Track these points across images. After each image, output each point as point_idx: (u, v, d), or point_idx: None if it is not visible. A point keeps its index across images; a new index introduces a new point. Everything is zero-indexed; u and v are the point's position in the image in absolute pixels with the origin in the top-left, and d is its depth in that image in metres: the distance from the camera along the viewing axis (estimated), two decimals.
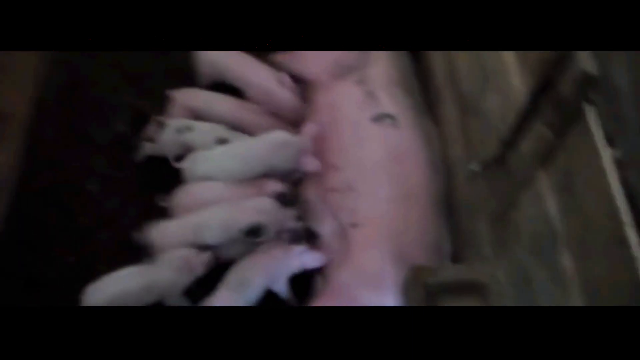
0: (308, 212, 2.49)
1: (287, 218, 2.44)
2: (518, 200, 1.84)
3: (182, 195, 2.53)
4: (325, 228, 2.42)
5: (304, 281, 2.39)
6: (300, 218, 2.47)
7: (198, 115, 2.79)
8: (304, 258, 2.37)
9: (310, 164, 2.52)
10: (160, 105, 2.81)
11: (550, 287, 1.62)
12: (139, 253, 2.43)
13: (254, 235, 2.37)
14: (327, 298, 2.23)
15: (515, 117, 1.80)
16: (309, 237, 2.43)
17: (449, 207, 2.43)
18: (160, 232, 2.41)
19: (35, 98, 2.87)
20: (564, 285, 1.54)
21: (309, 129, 2.59)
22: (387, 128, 2.47)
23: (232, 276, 2.33)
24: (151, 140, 2.66)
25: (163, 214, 2.50)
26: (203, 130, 2.68)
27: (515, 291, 1.80)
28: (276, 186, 2.53)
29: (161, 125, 2.65)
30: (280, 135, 2.58)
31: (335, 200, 2.41)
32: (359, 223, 2.31)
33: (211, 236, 2.38)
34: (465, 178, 2.29)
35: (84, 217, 2.59)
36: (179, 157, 2.61)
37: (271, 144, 2.56)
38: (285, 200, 2.49)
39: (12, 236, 2.50)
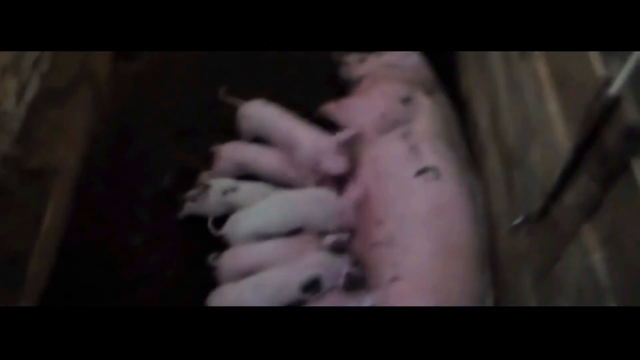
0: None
1: (344, 265, 2.40)
2: (563, 253, 1.80)
3: (230, 259, 2.51)
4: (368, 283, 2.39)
5: None
6: (356, 263, 2.43)
7: (244, 169, 2.81)
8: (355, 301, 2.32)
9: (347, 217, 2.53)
10: (206, 160, 2.85)
11: None
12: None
13: (312, 289, 2.35)
14: None
15: (559, 170, 1.78)
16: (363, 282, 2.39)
17: (492, 260, 2.38)
18: (220, 297, 2.39)
19: (84, 154, 2.94)
20: None
21: (354, 192, 2.60)
22: (430, 181, 2.45)
23: None
24: (194, 200, 2.68)
25: (206, 269, 2.50)
26: (248, 191, 2.70)
27: None
28: (328, 237, 2.50)
29: (206, 187, 2.68)
30: (322, 193, 2.59)
31: (377, 254, 2.39)
32: (400, 277, 2.28)
33: (273, 298, 2.35)
34: (508, 231, 2.25)
35: (128, 272, 2.60)
36: (218, 220, 2.62)
37: (312, 200, 2.57)
38: (339, 249, 2.46)
39: (58, 288, 2.52)
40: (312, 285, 2.35)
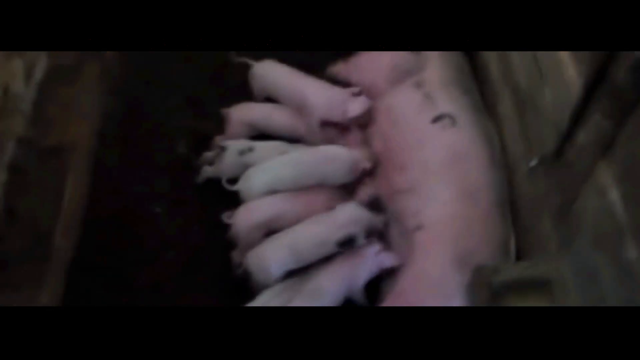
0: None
1: (379, 223, 2.43)
2: (579, 193, 1.79)
3: (244, 214, 2.52)
4: (393, 231, 2.43)
5: (373, 285, 2.38)
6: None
7: (256, 129, 2.82)
8: (380, 258, 2.36)
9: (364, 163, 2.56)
10: (219, 125, 2.86)
11: (617, 280, 1.57)
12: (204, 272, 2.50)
13: (348, 245, 2.38)
14: (390, 304, 2.21)
15: (572, 109, 1.77)
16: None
17: (512, 204, 2.37)
18: (255, 259, 2.41)
19: (98, 128, 2.95)
20: (631, 278, 1.49)
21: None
22: (447, 128, 2.46)
23: (308, 285, 2.32)
24: (211, 163, 2.69)
25: (227, 232, 2.52)
26: (264, 150, 2.71)
27: (581, 286, 1.75)
28: (366, 192, 2.53)
29: (222, 149, 2.68)
30: (333, 150, 2.60)
31: (400, 202, 2.41)
32: (422, 225, 2.30)
33: (309, 255, 2.39)
34: (525, 174, 2.25)
35: (150, 240, 2.63)
36: (233, 180, 2.62)
37: (325, 157, 2.58)
38: (376, 205, 2.48)
39: (83, 263, 2.55)
40: (348, 242, 2.38)
